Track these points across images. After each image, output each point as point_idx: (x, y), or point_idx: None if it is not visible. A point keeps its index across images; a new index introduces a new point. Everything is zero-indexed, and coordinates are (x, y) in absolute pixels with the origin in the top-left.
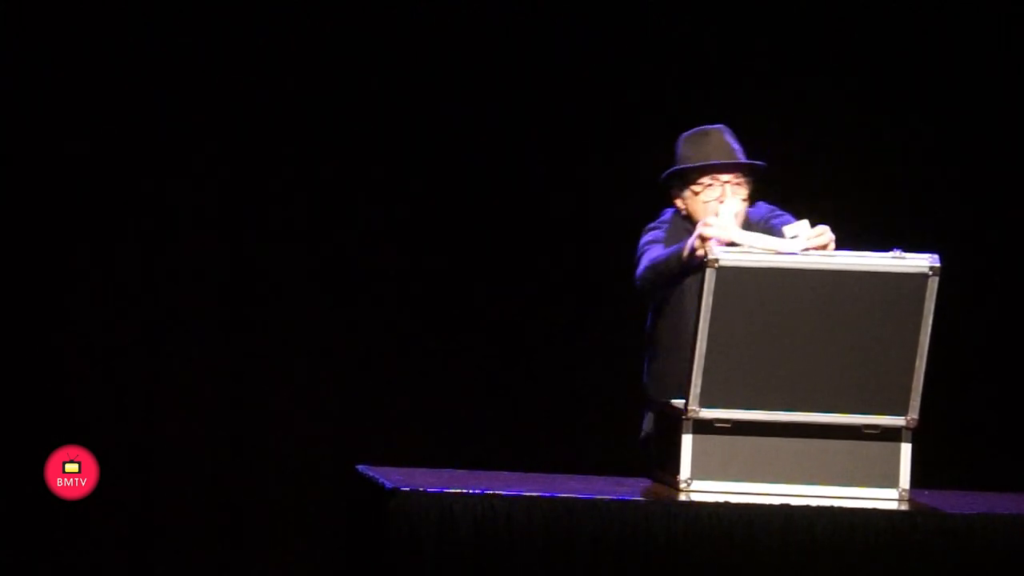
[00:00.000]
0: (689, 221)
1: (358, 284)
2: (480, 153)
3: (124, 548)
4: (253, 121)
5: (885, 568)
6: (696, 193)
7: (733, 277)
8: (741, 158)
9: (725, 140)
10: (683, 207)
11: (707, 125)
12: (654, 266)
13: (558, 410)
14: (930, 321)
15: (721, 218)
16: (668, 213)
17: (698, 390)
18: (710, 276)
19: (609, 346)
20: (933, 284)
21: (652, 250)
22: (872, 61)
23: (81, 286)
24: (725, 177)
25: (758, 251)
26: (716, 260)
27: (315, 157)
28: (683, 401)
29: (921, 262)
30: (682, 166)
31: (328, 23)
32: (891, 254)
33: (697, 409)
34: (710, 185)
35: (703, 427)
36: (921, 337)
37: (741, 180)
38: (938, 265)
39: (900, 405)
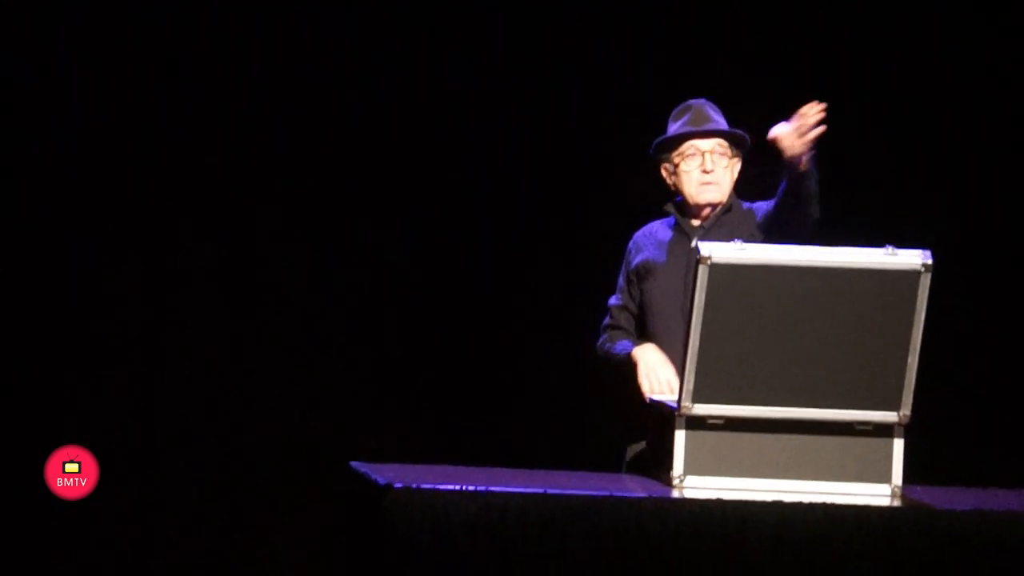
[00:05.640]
0: (676, 201)
1: (355, 283)
2: (478, 154)
3: (124, 548)
4: (254, 121)
5: (877, 564)
6: (677, 164)
7: (725, 273)
8: (720, 127)
9: (705, 111)
10: (671, 182)
11: (691, 100)
12: (604, 353)
13: (554, 407)
14: (922, 317)
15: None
16: (655, 225)
17: (691, 386)
18: (703, 273)
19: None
20: (925, 280)
21: (610, 313)
22: (866, 59)
23: (81, 286)
24: (706, 146)
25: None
26: (708, 257)
27: (315, 156)
28: (676, 397)
29: (913, 258)
30: (663, 136)
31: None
32: (883, 250)
33: (690, 405)
34: (692, 155)
35: (696, 423)
36: (913, 333)
37: (724, 150)
38: (930, 261)
39: (893, 401)
